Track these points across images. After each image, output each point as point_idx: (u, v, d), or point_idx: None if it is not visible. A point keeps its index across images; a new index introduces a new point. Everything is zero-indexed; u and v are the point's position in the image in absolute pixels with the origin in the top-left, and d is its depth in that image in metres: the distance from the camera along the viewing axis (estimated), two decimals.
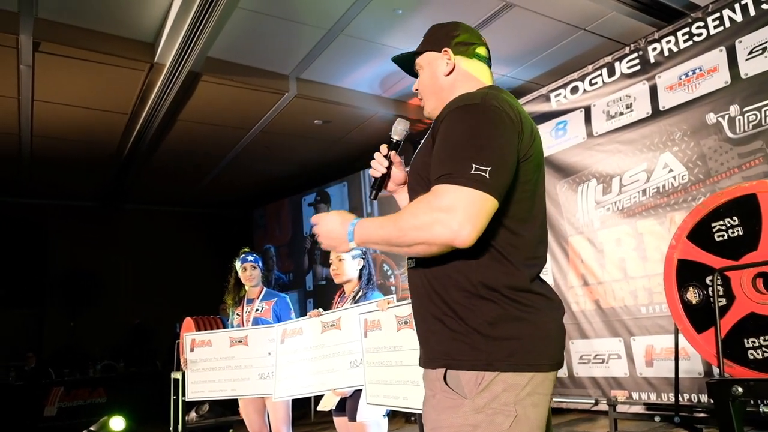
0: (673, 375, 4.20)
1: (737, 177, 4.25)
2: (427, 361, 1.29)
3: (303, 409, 6.15)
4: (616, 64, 5.10)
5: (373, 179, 1.56)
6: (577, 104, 5.44)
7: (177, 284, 10.13)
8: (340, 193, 8.74)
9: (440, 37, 1.50)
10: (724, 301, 3.11)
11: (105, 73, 5.46)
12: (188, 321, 4.21)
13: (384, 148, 1.55)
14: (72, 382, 7.63)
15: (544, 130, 5.74)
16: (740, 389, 2.40)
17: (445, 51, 1.47)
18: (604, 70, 5.19)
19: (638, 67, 4.93)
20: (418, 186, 1.35)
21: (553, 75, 6.01)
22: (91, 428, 4.32)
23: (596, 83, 5.27)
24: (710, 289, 3.20)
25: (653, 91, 4.80)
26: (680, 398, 4.25)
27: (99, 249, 9.97)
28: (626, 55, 5.01)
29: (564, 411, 5.51)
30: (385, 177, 1.55)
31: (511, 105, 1.30)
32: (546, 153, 5.70)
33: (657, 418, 4.36)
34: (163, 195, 10.05)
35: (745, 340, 2.95)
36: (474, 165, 1.16)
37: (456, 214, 1.13)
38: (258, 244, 10.62)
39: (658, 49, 4.77)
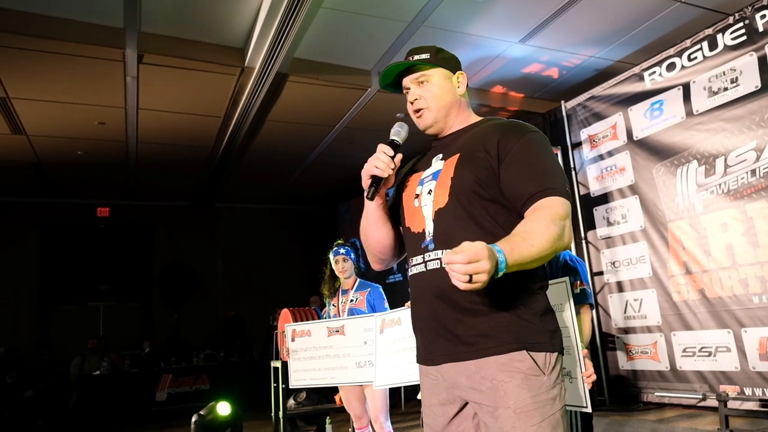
0: None
1: None
2: (498, 347, 1.35)
3: (393, 399, 6.25)
4: (719, 35, 4.75)
5: (371, 178, 1.51)
6: (674, 82, 5.13)
7: (267, 277, 10.61)
8: None
9: (453, 61, 1.61)
10: None
11: (201, 79, 5.80)
12: (285, 312, 4.40)
13: (389, 148, 1.52)
14: (179, 370, 8.18)
15: (638, 111, 5.47)
16: None
17: (462, 74, 1.60)
18: (705, 44, 4.86)
19: (744, 38, 4.57)
20: (470, 190, 1.43)
21: (646, 52, 5.68)
22: (201, 412, 4.59)
23: (696, 58, 4.94)
24: None
25: (762, 62, 4.43)
26: None
27: (196, 246, 10.63)
28: (730, 25, 4.66)
29: (665, 406, 5.24)
30: (387, 178, 1.53)
31: None
32: (640, 135, 5.45)
33: None
34: (253, 193, 10.53)
35: None
36: (565, 183, 1.42)
37: (569, 221, 1.36)
38: (344, 237, 10.74)
39: None
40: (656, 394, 5.29)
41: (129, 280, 10.25)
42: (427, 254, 1.47)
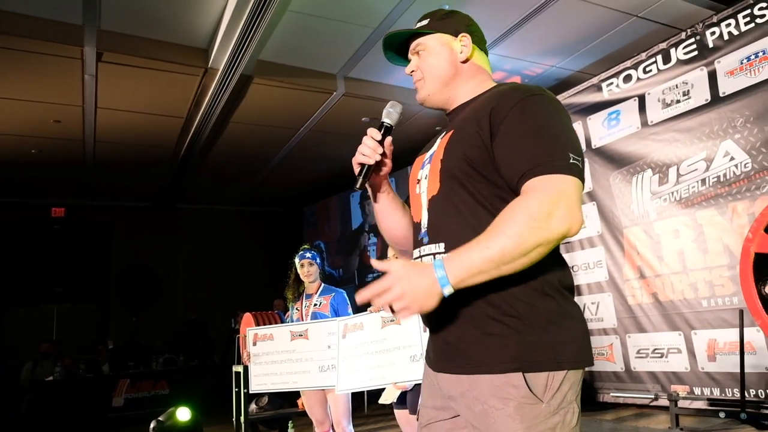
0: (737, 370, 4.08)
1: None
2: (493, 365, 1.16)
3: (356, 402, 6.26)
4: (672, 50, 4.95)
5: (359, 166, 1.37)
6: (630, 93, 5.31)
7: (230, 280, 10.47)
8: None
9: (455, 22, 1.41)
10: None
11: (162, 79, 5.69)
12: (248, 316, 4.37)
13: (376, 132, 1.39)
14: (137, 375, 8.00)
15: (596, 120, 5.63)
16: None
17: (464, 36, 1.39)
18: (659, 57, 5.05)
19: (695, 53, 4.77)
20: (461, 173, 1.24)
21: (604, 64, 5.88)
22: (160, 418, 4.53)
23: (651, 71, 5.13)
24: None
25: (712, 76, 4.63)
26: (747, 394, 4.12)
27: (157, 247, 10.40)
28: (682, 40, 4.86)
29: (620, 406, 5.41)
30: (377, 165, 1.39)
31: None
32: (598, 144, 5.61)
33: (722, 414, 4.23)
34: (217, 194, 10.39)
35: None
36: (571, 155, 1.14)
37: (568, 202, 1.09)
38: (308, 240, 10.82)
39: (717, 33, 4.60)
40: (611, 394, 5.45)
41: (85, 281, 9.95)
42: (421, 248, 1.31)
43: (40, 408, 7.17)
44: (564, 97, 5.98)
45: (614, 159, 5.45)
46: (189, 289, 10.50)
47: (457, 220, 1.23)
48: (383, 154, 1.39)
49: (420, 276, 1.08)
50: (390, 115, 1.42)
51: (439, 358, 1.29)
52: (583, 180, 1.14)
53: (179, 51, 5.32)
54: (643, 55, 5.18)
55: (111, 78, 5.61)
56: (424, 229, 1.32)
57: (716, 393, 4.55)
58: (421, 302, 1.07)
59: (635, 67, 5.25)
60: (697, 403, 4.62)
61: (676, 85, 4.91)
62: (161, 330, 9.91)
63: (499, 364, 1.15)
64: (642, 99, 5.20)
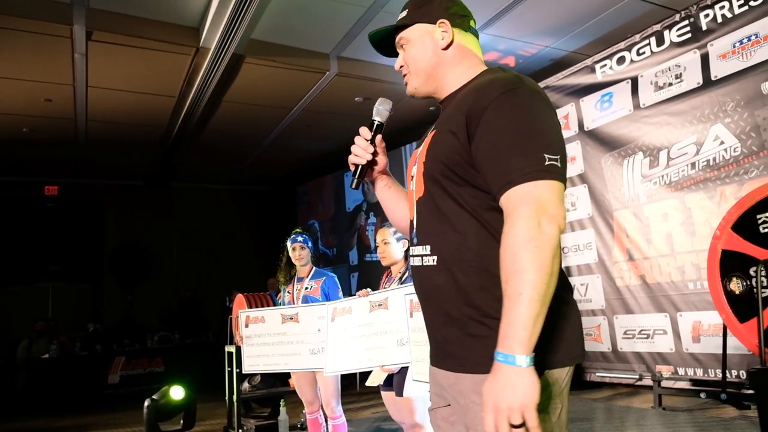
0: (720, 351, 4.16)
1: None
2: (474, 365, 1.18)
3: (348, 381, 6.37)
4: (666, 32, 4.93)
5: (353, 166, 1.41)
6: (623, 75, 5.30)
7: (223, 258, 10.53)
8: None
9: (433, 8, 1.35)
10: (767, 292, 3.07)
11: (153, 58, 5.64)
12: (240, 298, 4.41)
13: (366, 131, 1.42)
14: (132, 352, 8.09)
15: (589, 102, 5.63)
16: None
17: (442, 22, 1.33)
18: (653, 39, 5.03)
19: (689, 35, 4.75)
20: (441, 176, 1.23)
21: (598, 45, 5.84)
22: (154, 396, 4.60)
23: (644, 53, 5.11)
24: (754, 280, 3.16)
25: (705, 60, 4.63)
26: (728, 375, 4.21)
27: (150, 226, 10.42)
28: (676, 22, 4.84)
29: (606, 385, 5.52)
30: (370, 164, 1.42)
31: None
32: (590, 126, 5.61)
33: (703, 395, 4.33)
34: (210, 173, 10.37)
35: None
36: (546, 156, 1.11)
37: (547, 205, 1.09)
38: (302, 220, 10.86)
39: (711, 16, 4.59)
40: (597, 374, 5.56)
41: (79, 260, 9.98)
42: (413, 248, 1.33)
43: (37, 385, 7.26)
44: (558, 79, 5.97)
45: (606, 141, 5.46)
46: (183, 267, 10.55)
47: (441, 223, 1.23)
48: (375, 153, 1.42)
49: (502, 385, 1.04)
50: (380, 113, 1.43)
51: (433, 354, 1.35)
52: (562, 177, 1.14)
53: (170, 30, 5.26)
54: (637, 37, 5.16)
55: (101, 57, 5.55)
56: (414, 229, 1.34)
57: (699, 373, 4.66)
58: (523, 398, 1.02)
59: (629, 48, 5.23)
60: (681, 383, 4.72)
61: (669, 68, 4.90)
62: (156, 308, 9.98)
63: (479, 364, 1.15)
64: (635, 81, 5.19)
